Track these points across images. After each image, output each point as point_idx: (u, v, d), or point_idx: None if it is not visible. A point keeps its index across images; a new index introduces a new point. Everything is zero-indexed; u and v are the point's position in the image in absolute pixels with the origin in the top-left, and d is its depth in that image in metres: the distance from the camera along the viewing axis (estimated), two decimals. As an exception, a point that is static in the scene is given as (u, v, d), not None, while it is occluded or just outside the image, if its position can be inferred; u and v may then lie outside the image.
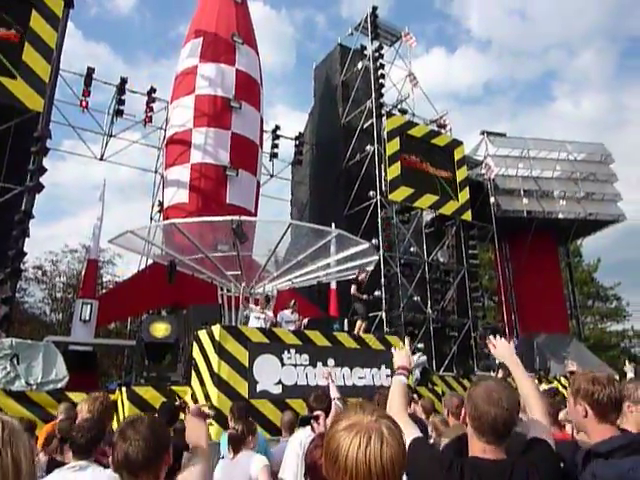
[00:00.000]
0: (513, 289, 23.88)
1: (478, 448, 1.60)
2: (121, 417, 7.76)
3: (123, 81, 18.06)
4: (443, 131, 20.98)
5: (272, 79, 78.51)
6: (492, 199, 22.27)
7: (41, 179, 11.96)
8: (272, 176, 22.36)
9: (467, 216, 19.92)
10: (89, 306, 12.16)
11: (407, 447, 1.63)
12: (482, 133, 23.97)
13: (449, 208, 19.44)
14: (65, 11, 13.15)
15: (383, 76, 19.93)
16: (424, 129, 20.12)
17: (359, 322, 11.03)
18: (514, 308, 23.78)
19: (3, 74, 11.47)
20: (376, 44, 20.45)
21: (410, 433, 1.69)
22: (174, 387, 8.57)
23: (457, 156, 20.43)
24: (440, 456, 1.65)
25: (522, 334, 21.74)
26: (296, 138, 22.37)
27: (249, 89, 16.89)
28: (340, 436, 1.05)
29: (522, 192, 22.94)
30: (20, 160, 11.68)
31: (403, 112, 20.22)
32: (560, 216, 23.21)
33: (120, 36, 77.21)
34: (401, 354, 2.22)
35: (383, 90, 19.81)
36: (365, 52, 21.54)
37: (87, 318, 12.01)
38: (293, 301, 10.76)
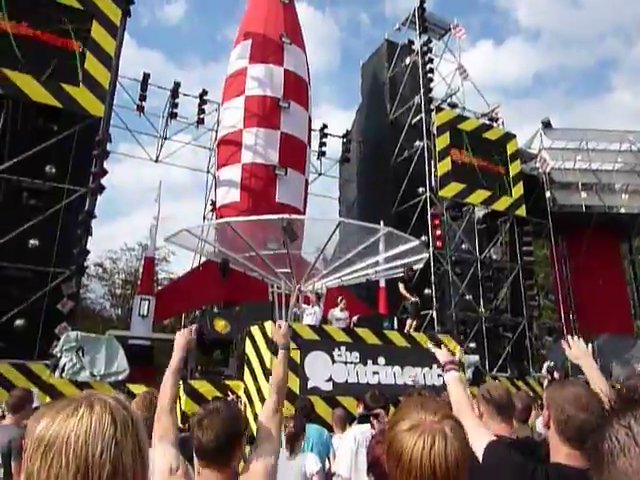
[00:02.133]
0: (571, 287, 22.87)
1: (562, 454, 1.56)
2: (178, 409, 8.07)
3: (176, 85, 18.67)
4: (495, 124, 20.37)
5: (317, 79, 78.87)
6: (548, 193, 21.40)
7: (102, 181, 12.56)
8: (320, 174, 22.47)
9: (521, 211, 19.26)
10: (147, 302, 12.69)
11: (483, 450, 1.61)
12: (546, 124, 22.71)
13: (502, 204, 18.87)
14: (123, 20, 13.72)
15: (432, 70, 19.57)
16: (475, 123, 19.61)
17: (409, 321, 10.94)
18: (572, 307, 22.77)
19: (68, 82, 12.13)
20: (424, 38, 20.09)
21: (485, 436, 1.66)
22: (228, 382, 8.81)
23: (510, 150, 19.80)
24: (522, 461, 1.59)
25: (581, 335, 20.79)
26: (344, 136, 22.36)
27: (297, 89, 17.05)
28: (403, 437, 1.04)
29: (580, 186, 21.90)
30: (83, 163, 12.32)
31: (453, 106, 19.78)
32: (622, 211, 22.01)
33: (171, 43, 79.77)
34: (442, 352, 2.17)
35: (432, 84, 19.46)
36: (413, 47, 21.20)
37: (145, 313, 12.54)
38: (340, 298, 10.80)
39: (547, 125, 22.69)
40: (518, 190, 19.36)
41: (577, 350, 2.05)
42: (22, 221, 11.18)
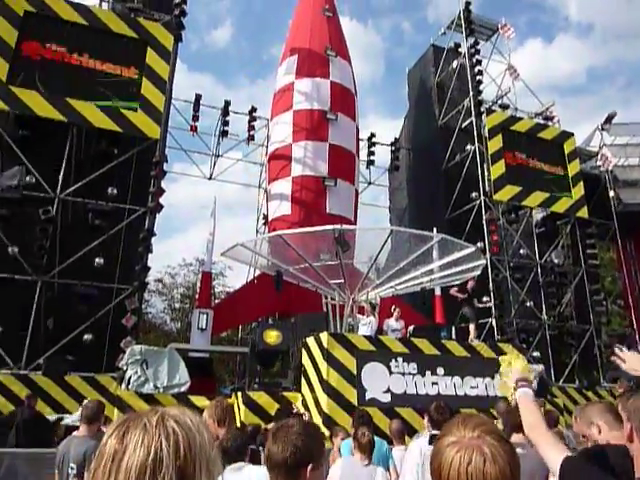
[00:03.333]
0: (642, 291, 21.50)
1: None
2: (237, 420, 8.19)
3: (227, 104, 19.26)
4: (550, 124, 19.62)
5: (363, 90, 78.99)
6: (611, 193, 20.27)
7: (160, 200, 13.08)
8: (369, 184, 22.43)
9: (583, 213, 18.35)
10: (205, 315, 13.04)
11: (560, 467, 1.52)
12: (611, 117, 21.24)
13: (562, 205, 18.06)
14: (174, 45, 14.34)
15: (480, 72, 19.13)
16: (529, 123, 18.96)
17: (472, 326, 10.65)
18: (644, 312, 21.36)
19: (127, 108, 12.79)
20: (471, 40, 19.71)
21: (561, 452, 1.56)
22: (285, 393, 8.87)
23: (568, 149, 18.97)
24: (603, 476, 1.49)
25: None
26: (392, 144, 22.24)
27: (344, 100, 17.15)
28: (443, 453, 1.03)
29: (647, 183, 20.65)
30: (142, 183, 12.89)
31: (504, 107, 19.23)
32: (696, 207, 20.52)
33: (219, 65, 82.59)
34: (514, 369, 1.96)
35: (481, 87, 19.02)
36: (460, 50, 20.87)
37: (204, 327, 12.88)
38: (394, 307, 10.65)
39: (610, 120, 21.40)
40: (579, 190, 18.49)
41: (633, 361, 1.89)
42: (88, 241, 11.83)
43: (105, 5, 14.53)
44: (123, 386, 9.47)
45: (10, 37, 12.17)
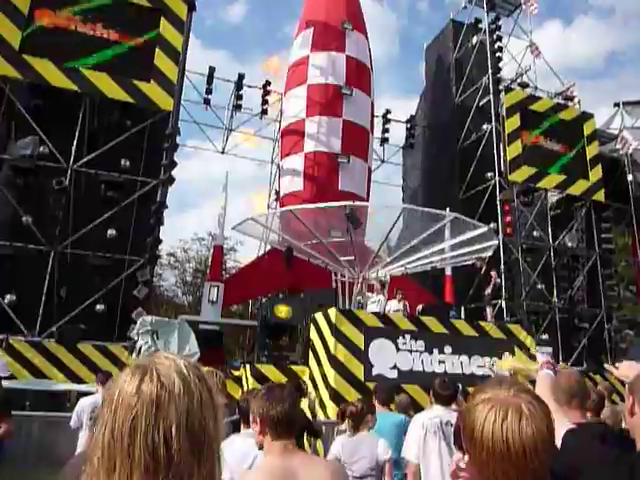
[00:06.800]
0: (656, 277, 21.20)
1: None
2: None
3: (240, 77, 19.06)
4: (570, 104, 19.14)
5: (378, 69, 77.50)
6: (630, 176, 19.82)
7: (172, 173, 13.07)
8: (383, 161, 22.21)
9: (599, 196, 18.01)
10: (216, 288, 13.15)
11: (563, 436, 1.50)
12: (616, 105, 21.17)
13: (578, 188, 17.74)
14: (189, 15, 14.12)
15: (501, 49, 18.65)
16: (548, 103, 18.50)
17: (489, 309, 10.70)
18: (657, 299, 21.12)
19: (139, 78, 12.67)
20: (492, 15, 19.18)
21: (563, 424, 1.56)
22: (293, 367, 8.96)
23: (587, 130, 18.53)
24: (603, 449, 1.46)
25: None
26: (407, 121, 21.91)
27: (360, 75, 16.87)
28: (475, 410, 1.00)
29: (668, 167, 20.15)
30: (154, 156, 12.87)
31: (523, 86, 18.75)
32: None
33: (234, 41, 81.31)
34: (543, 355, 2.14)
35: (501, 64, 18.57)
36: (480, 25, 20.26)
37: (214, 299, 13.00)
38: (396, 289, 10.64)
39: (625, 105, 20.86)
40: (596, 173, 18.12)
41: (625, 369, 1.89)
42: (101, 212, 11.90)
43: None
44: (134, 355, 9.62)
45: (23, 4, 12.06)
